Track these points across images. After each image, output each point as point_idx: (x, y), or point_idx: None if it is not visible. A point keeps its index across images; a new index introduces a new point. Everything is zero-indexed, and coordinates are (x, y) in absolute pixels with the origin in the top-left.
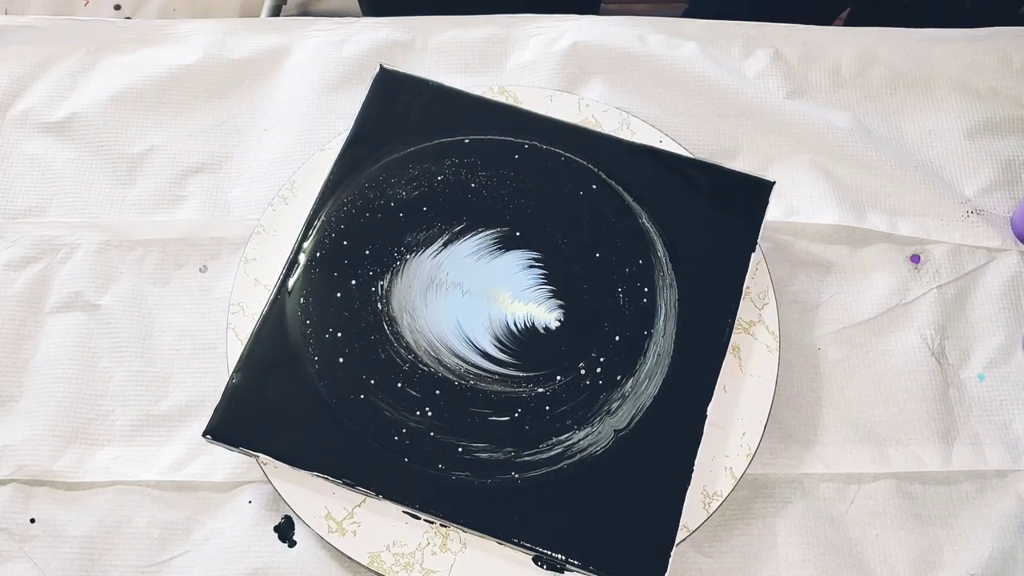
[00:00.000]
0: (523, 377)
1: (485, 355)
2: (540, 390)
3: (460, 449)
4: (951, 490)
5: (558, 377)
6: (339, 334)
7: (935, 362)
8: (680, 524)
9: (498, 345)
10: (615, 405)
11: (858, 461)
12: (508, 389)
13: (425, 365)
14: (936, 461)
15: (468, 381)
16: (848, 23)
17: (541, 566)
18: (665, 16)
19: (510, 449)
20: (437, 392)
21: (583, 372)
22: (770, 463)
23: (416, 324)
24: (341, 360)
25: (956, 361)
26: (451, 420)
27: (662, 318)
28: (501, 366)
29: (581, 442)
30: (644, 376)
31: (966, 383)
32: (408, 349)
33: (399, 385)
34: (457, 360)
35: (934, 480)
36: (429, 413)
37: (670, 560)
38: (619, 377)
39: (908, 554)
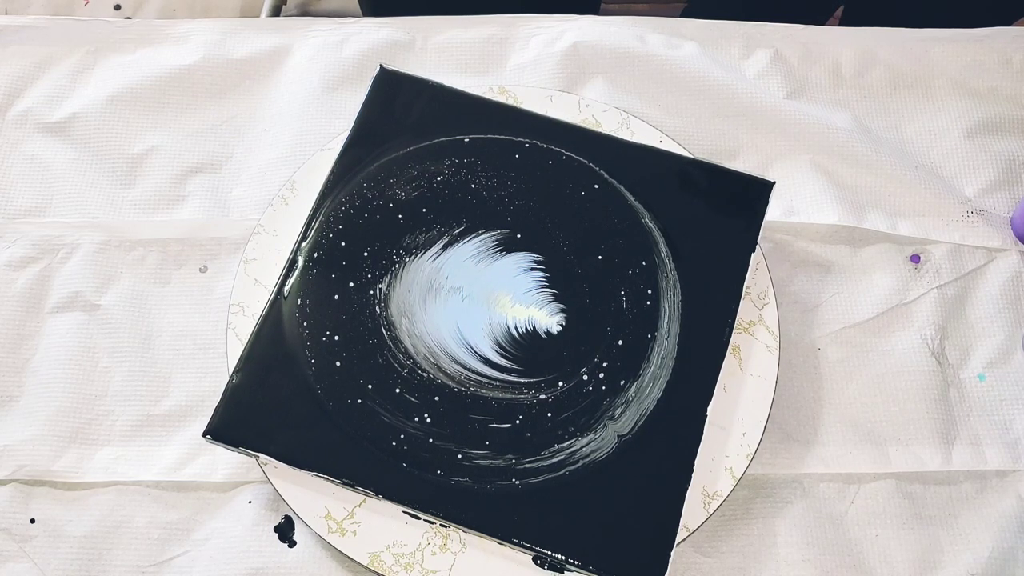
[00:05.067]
0: (524, 383)
1: (486, 361)
2: (542, 397)
3: (460, 456)
4: (951, 490)
5: (560, 383)
6: (336, 337)
7: (935, 362)
8: (680, 524)
9: (499, 350)
10: (619, 411)
11: (858, 461)
12: (509, 396)
13: (424, 371)
14: (936, 461)
15: (468, 388)
16: (843, 21)
17: (541, 566)
18: (665, 16)
19: (511, 456)
20: (436, 399)
21: (586, 378)
22: (770, 463)
23: (415, 329)
24: (338, 364)
25: (956, 361)
26: (450, 427)
27: (666, 320)
28: (502, 372)
29: (584, 449)
30: (648, 380)
31: (966, 383)
32: (407, 354)
33: (397, 391)
34: (457, 366)
35: (934, 480)
36: (428, 420)
37: (670, 560)
38: (623, 382)
39: (908, 554)
